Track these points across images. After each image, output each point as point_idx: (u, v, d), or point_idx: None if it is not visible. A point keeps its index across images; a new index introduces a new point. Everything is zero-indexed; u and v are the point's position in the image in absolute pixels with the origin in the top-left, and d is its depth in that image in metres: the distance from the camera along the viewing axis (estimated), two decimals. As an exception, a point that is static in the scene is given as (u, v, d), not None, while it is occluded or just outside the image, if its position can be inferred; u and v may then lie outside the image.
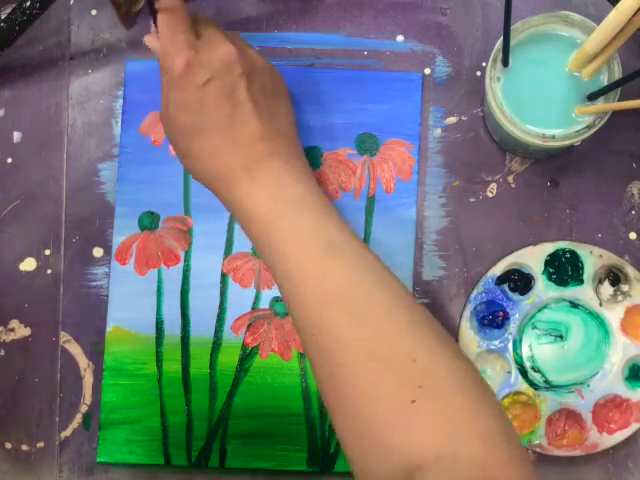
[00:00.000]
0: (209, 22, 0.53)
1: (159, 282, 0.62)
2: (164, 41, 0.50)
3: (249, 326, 0.61)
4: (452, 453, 0.41)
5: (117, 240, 0.62)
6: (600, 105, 0.55)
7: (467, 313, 0.60)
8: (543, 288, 0.60)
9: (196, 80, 0.49)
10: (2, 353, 0.62)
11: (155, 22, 0.51)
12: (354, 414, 0.44)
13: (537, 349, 0.61)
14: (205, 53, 0.50)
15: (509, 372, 0.60)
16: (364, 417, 0.43)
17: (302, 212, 0.49)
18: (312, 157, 0.62)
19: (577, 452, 0.59)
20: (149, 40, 0.53)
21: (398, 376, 0.43)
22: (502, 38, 0.53)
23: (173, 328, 0.61)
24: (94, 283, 0.62)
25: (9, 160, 0.63)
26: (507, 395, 0.60)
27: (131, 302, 0.61)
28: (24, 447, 0.61)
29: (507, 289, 0.61)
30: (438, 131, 0.63)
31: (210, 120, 0.50)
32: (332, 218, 0.49)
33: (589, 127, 0.55)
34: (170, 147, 0.62)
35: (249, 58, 0.52)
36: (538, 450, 0.59)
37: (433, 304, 0.61)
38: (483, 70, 0.63)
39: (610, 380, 0.59)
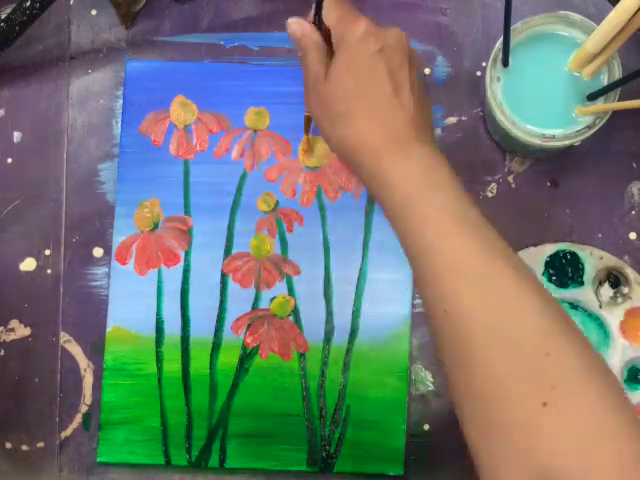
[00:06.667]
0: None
1: (159, 282, 0.62)
2: (339, 11, 0.52)
3: (249, 326, 0.61)
4: (584, 464, 0.40)
5: (117, 240, 0.62)
6: (600, 105, 0.54)
7: (467, 313, 0.60)
8: (543, 288, 0.60)
9: (370, 48, 0.50)
10: (2, 353, 0.62)
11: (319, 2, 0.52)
12: (483, 403, 0.43)
13: (537, 349, 0.60)
14: (379, 27, 0.51)
15: (509, 372, 0.60)
16: (494, 409, 0.42)
17: (447, 192, 0.49)
18: (312, 157, 0.62)
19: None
20: (295, 24, 0.53)
21: (531, 372, 0.42)
22: (502, 38, 0.53)
23: (173, 328, 0.61)
24: (94, 283, 0.62)
25: (9, 160, 0.63)
26: (507, 395, 0.59)
27: (131, 302, 0.61)
28: (24, 447, 0.61)
29: (507, 289, 0.61)
30: (438, 131, 0.63)
31: (374, 88, 0.51)
32: (472, 204, 0.49)
33: (589, 127, 0.55)
34: (170, 147, 0.63)
35: (412, 49, 0.53)
36: (538, 450, 0.59)
37: (433, 304, 0.61)
38: (483, 70, 0.62)
39: (610, 380, 0.59)
